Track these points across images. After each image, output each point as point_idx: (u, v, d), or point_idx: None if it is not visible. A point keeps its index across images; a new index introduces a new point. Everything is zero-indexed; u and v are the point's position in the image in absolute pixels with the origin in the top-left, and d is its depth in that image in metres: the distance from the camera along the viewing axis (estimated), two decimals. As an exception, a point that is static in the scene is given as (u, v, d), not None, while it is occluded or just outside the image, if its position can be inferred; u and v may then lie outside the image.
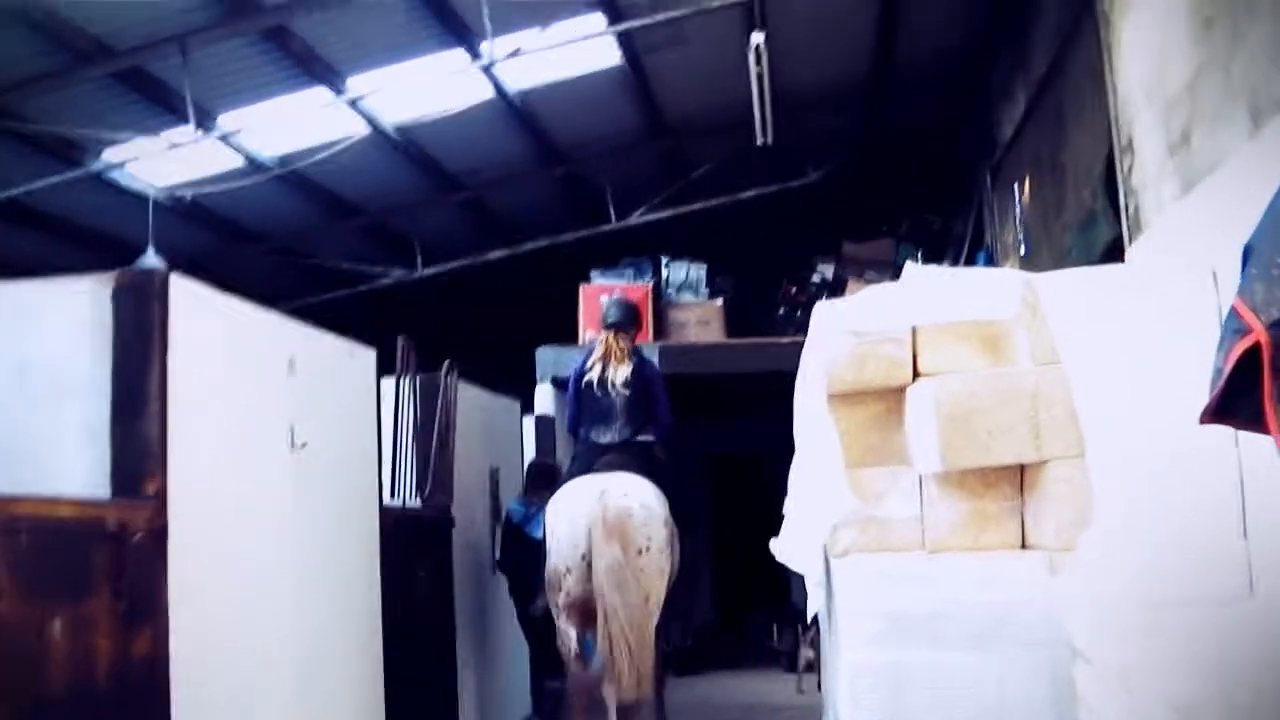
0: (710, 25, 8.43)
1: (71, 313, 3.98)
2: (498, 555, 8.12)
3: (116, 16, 7.01)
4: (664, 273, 10.98)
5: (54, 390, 3.94)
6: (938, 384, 4.11)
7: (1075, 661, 3.75)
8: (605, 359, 6.92)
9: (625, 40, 8.76)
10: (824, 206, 11.70)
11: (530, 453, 9.17)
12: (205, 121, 8.23)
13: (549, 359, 9.91)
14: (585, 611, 6.17)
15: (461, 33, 8.11)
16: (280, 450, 4.82)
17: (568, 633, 6.33)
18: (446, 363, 6.86)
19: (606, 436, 6.77)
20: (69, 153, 8.41)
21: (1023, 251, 8.87)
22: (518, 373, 9.77)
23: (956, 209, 11.93)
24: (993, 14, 9.22)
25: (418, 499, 6.57)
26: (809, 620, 5.71)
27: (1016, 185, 9.14)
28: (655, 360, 7.85)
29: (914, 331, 4.27)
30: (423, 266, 11.94)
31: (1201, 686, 3.33)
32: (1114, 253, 5.94)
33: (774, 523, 5.33)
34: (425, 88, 8.70)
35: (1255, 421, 2.24)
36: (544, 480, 7.71)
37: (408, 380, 6.60)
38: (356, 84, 8.48)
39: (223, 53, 7.65)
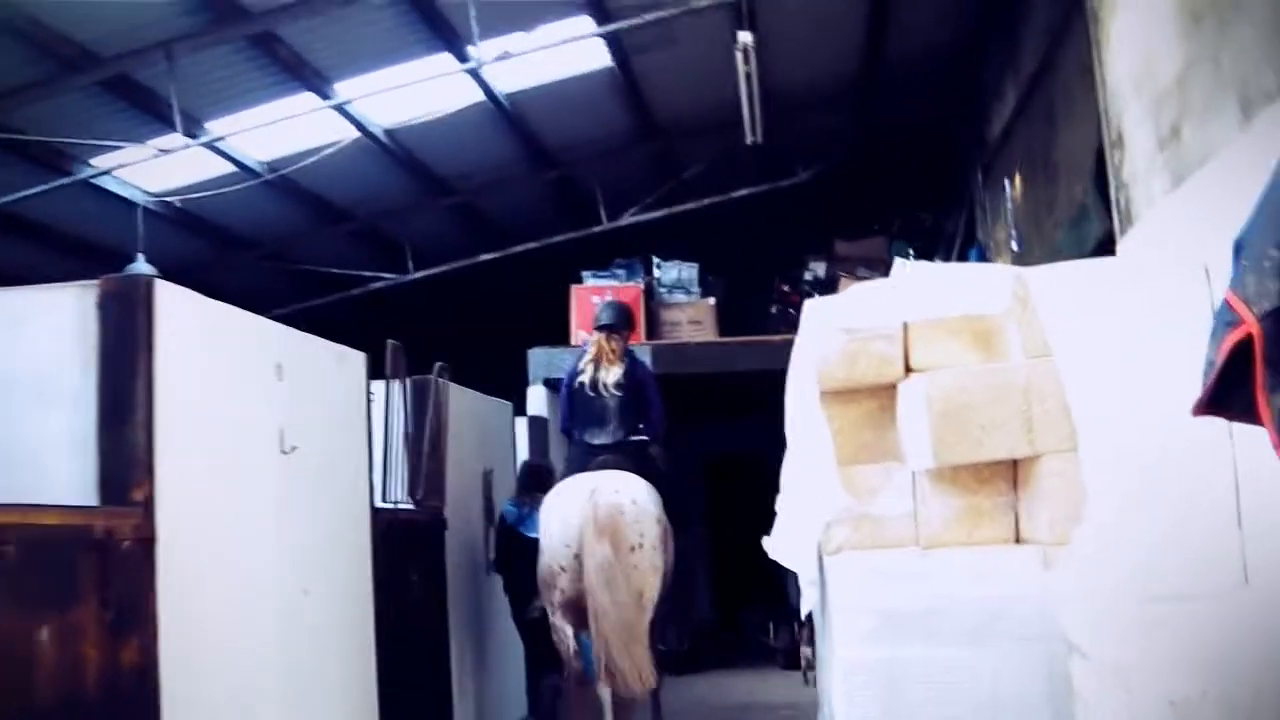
0: (698, 26, 8.42)
1: (57, 321, 3.97)
2: (492, 556, 8.10)
3: (101, 22, 6.98)
4: (655, 273, 10.96)
5: (40, 399, 3.91)
6: (929, 380, 4.10)
7: (1070, 656, 3.73)
8: (597, 361, 6.95)
9: (613, 42, 8.75)
10: (816, 205, 11.70)
11: (523, 454, 9.16)
12: (193, 128, 8.19)
13: (541, 360, 9.90)
14: (580, 610, 6.18)
15: (449, 36, 8.09)
16: (269, 456, 4.80)
17: (564, 631, 6.36)
18: (437, 366, 6.87)
19: (600, 438, 6.80)
20: (57, 161, 8.38)
21: (1015, 248, 8.87)
22: (510, 374, 9.75)
23: (948, 206, 11.93)
24: (983, 11, 9.22)
25: (410, 502, 6.55)
26: (804, 618, 5.70)
27: (1008, 182, 9.14)
28: (648, 360, 7.86)
29: (905, 327, 4.26)
30: (414, 270, 11.92)
31: (1197, 681, 3.31)
32: (1105, 247, 5.93)
33: (768, 521, 5.31)
34: (413, 92, 8.67)
35: (1248, 413, 2.25)
36: (537, 481, 7.70)
37: (398, 384, 6.59)
38: (344, 89, 8.47)
39: (210, 59, 7.62)
